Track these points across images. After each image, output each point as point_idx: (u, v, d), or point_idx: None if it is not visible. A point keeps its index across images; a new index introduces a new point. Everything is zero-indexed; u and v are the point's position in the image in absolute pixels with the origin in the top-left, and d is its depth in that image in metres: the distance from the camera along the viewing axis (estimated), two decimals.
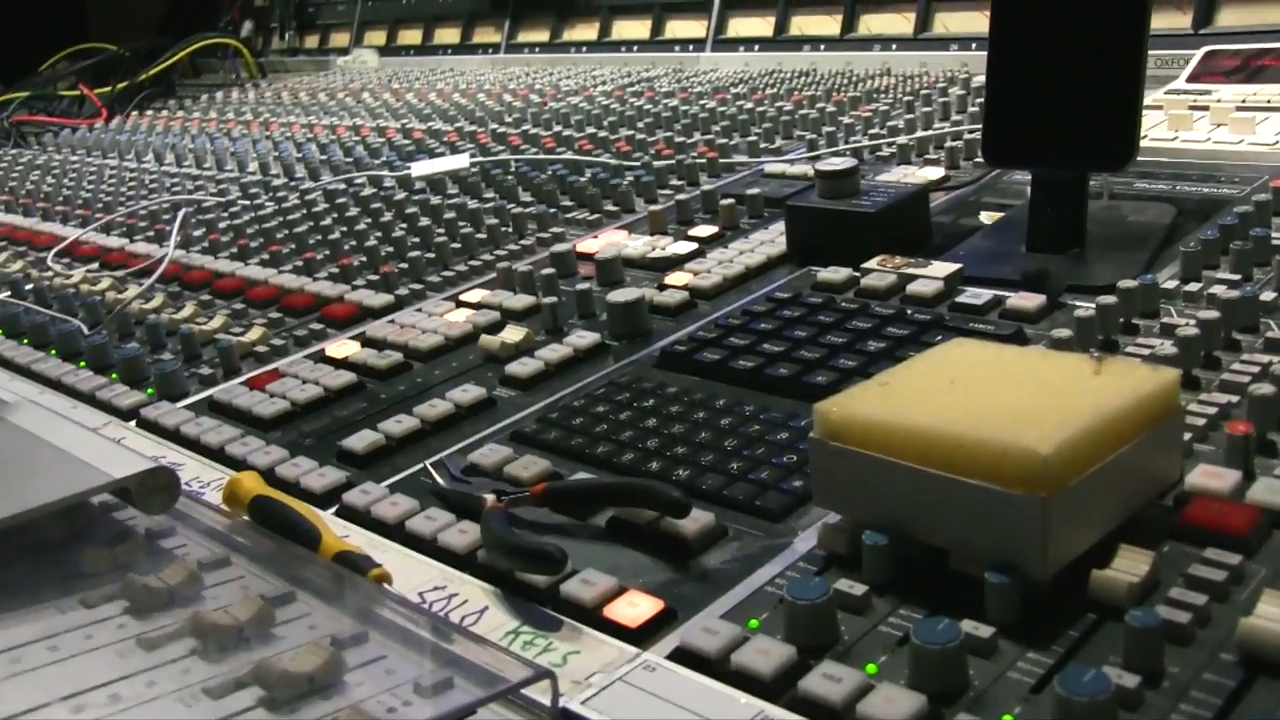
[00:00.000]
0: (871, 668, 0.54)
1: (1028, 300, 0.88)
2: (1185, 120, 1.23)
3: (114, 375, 1.04)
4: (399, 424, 0.85)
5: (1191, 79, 1.37)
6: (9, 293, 1.28)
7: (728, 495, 0.70)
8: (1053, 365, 0.66)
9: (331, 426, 0.89)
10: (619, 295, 0.97)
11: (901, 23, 1.88)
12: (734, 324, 0.93)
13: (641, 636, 0.59)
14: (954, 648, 0.52)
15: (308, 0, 3.04)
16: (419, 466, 0.80)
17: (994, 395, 0.61)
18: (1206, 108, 1.25)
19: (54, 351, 1.12)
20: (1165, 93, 1.34)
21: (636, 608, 0.61)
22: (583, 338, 0.95)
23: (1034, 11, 0.96)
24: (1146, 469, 0.61)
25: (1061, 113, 0.95)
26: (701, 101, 1.73)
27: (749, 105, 1.65)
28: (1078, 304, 0.87)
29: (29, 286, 1.30)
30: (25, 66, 2.89)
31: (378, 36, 2.85)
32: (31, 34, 3.09)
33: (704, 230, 1.18)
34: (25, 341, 1.16)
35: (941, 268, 0.96)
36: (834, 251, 1.02)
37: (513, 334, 0.96)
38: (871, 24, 1.92)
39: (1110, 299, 0.82)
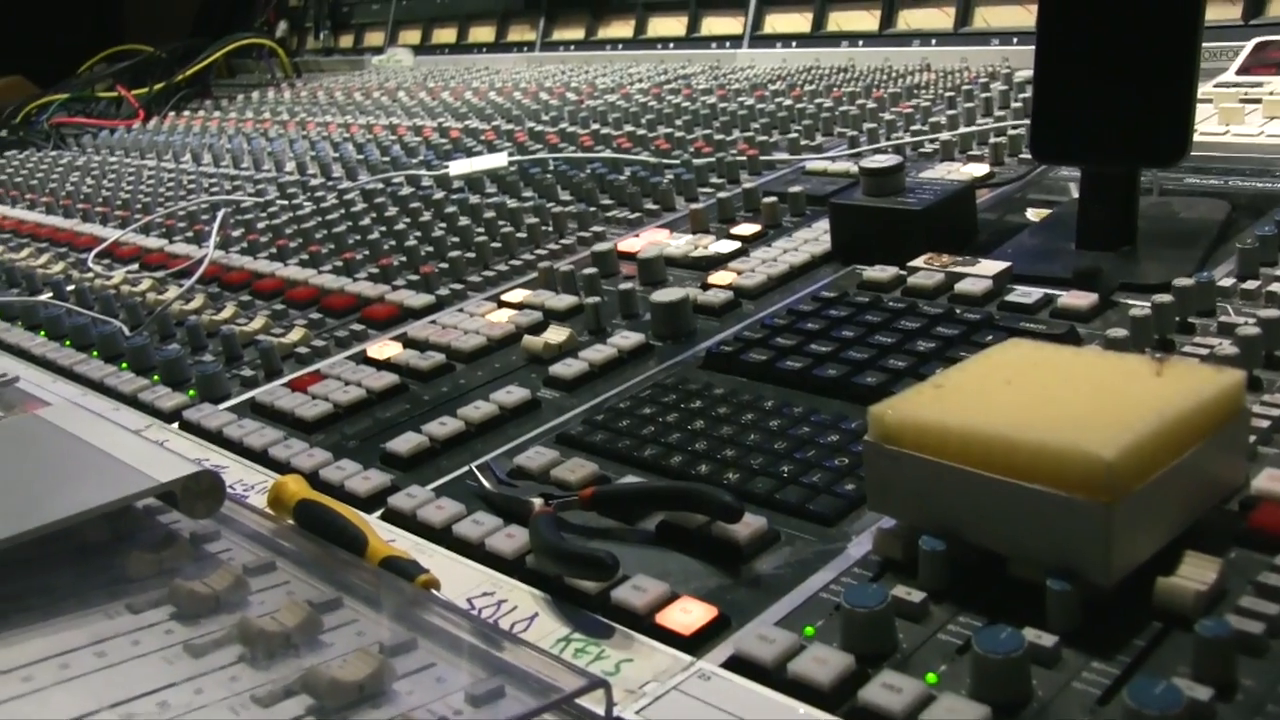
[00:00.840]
0: (932, 677, 0.53)
1: (1079, 299, 0.87)
2: (1236, 114, 1.20)
3: (155, 377, 1.04)
4: (443, 426, 0.84)
5: (1242, 71, 1.34)
6: (51, 294, 1.29)
7: (779, 499, 0.68)
8: (1112, 366, 0.64)
9: (374, 428, 0.88)
10: (663, 295, 0.96)
11: (941, 18, 1.86)
12: (780, 324, 0.91)
13: (695, 644, 0.58)
14: (1018, 657, 0.50)
15: (342, 0, 3.05)
16: (464, 469, 0.79)
17: (1053, 397, 0.60)
18: (1259, 100, 1.23)
19: (95, 353, 1.12)
20: (1215, 86, 1.31)
21: (689, 614, 0.60)
22: (626, 338, 0.94)
23: (1083, 2, 0.94)
24: (1211, 473, 0.59)
25: (1112, 107, 0.93)
26: (740, 99, 1.71)
27: (788, 102, 1.63)
28: (1131, 303, 0.85)
29: (70, 288, 1.31)
30: (63, 69, 2.91)
31: (412, 35, 2.85)
32: (67, 37, 3.12)
33: (746, 229, 1.16)
34: (67, 343, 1.17)
35: (990, 266, 0.94)
36: (879, 250, 1.01)
37: (556, 334, 0.95)
38: (910, 19, 1.91)
39: (1166, 297, 0.81)
